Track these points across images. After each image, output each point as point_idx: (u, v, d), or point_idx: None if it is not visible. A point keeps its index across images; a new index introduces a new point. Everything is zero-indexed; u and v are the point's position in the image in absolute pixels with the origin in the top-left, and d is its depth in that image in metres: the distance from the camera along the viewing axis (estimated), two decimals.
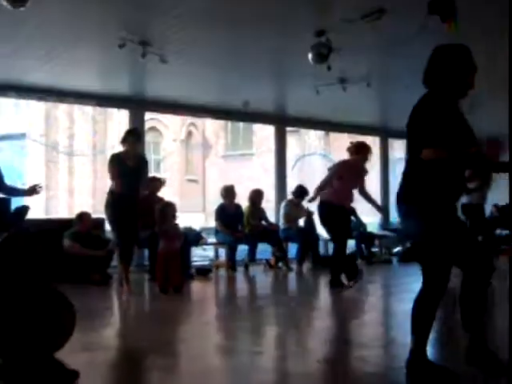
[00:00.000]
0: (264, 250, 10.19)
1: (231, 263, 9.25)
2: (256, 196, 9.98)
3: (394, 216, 7.83)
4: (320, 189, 7.15)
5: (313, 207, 8.54)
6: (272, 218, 10.48)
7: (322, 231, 9.78)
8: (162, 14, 6.03)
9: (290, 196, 10.69)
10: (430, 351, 3.32)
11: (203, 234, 9.82)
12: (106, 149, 28.12)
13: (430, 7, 5.29)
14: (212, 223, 9.93)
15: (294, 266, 9.68)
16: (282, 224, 10.18)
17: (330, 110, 10.76)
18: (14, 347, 3.20)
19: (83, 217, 8.24)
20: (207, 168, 36.83)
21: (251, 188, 10.32)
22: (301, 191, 10.22)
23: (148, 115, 11.63)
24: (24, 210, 5.63)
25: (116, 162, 6.89)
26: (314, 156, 32.41)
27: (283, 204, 10.42)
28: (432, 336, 3.35)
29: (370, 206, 7.54)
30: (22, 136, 28.94)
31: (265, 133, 24.56)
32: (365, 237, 10.79)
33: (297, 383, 3.39)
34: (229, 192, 9.62)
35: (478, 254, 3.15)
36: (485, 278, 3.16)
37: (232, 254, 9.31)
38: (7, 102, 24.56)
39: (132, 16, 6.18)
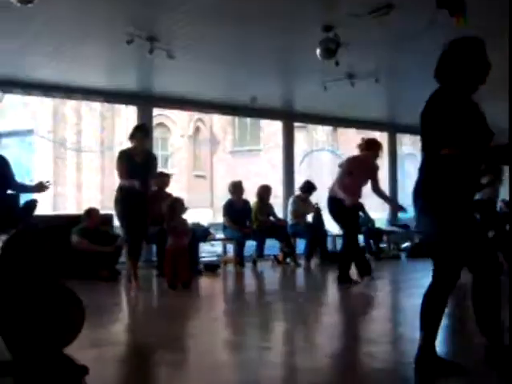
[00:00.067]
0: (272, 245, 10.17)
1: (239, 259, 9.23)
2: (264, 192, 9.96)
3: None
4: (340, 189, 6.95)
5: (321, 203, 8.51)
6: (280, 214, 10.46)
7: (330, 227, 9.80)
8: (169, 10, 6.03)
9: (297, 192, 10.66)
10: (438, 347, 3.30)
11: (211, 230, 9.79)
12: (114, 145, 28.20)
13: (438, 1, 5.25)
14: (220, 219, 9.92)
15: (302, 261, 9.67)
16: (289, 220, 10.14)
17: (337, 105, 10.74)
18: (23, 343, 3.21)
19: (91, 213, 8.24)
20: (215, 164, 36.84)
21: (259, 184, 10.29)
22: (308, 187, 10.22)
23: (156, 111, 11.61)
24: (32, 203, 5.68)
25: (124, 159, 6.90)
26: (321, 152, 32.43)
27: (291, 200, 10.38)
28: (441, 332, 3.33)
29: (379, 201, 7.51)
30: (30, 132, 29.05)
31: (272, 128, 24.52)
32: (373, 232, 10.78)
33: (305, 378, 3.38)
34: (237, 188, 9.61)
35: (486, 256, 3.12)
36: (493, 280, 3.12)
37: (240, 249, 9.29)
38: (15, 99, 24.60)
39: (140, 12, 6.18)
